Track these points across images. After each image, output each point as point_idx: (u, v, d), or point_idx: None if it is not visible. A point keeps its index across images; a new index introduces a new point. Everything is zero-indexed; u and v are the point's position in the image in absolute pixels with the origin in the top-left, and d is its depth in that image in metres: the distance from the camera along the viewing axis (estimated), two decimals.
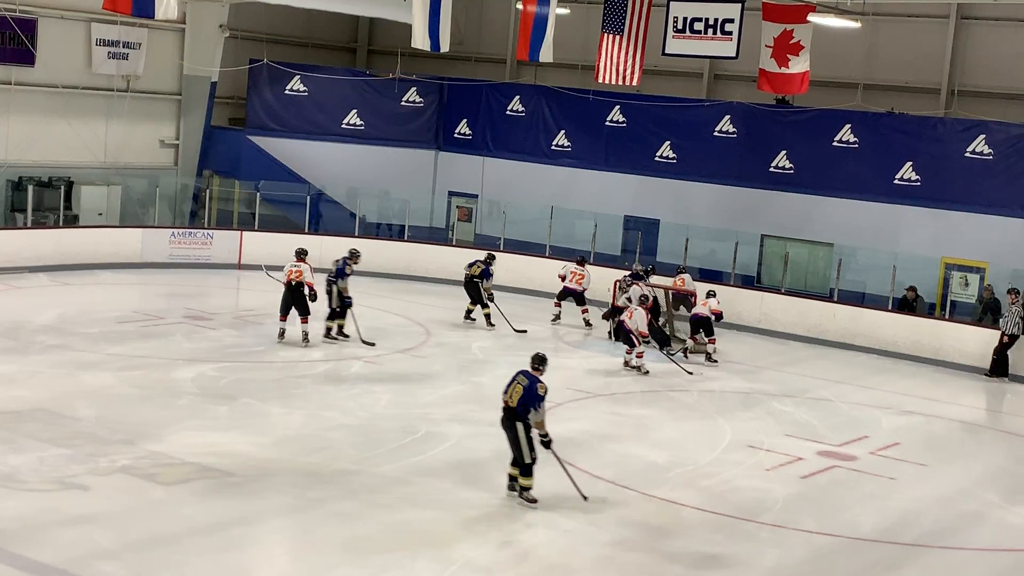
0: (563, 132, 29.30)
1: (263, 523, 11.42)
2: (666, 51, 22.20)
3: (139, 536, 10.75)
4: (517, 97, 30.01)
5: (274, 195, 28.06)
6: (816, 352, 22.34)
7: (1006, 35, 25.60)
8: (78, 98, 26.92)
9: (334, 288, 19.56)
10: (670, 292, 22.55)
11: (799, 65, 21.96)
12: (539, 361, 12.50)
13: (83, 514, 11.21)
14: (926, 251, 24.00)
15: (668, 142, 27.79)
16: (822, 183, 25.63)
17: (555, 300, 23.12)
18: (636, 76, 22.81)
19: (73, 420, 14.13)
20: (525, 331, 21.56)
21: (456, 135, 30.94)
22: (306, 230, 26.97)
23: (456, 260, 24.61)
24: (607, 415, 16.58)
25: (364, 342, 19.48)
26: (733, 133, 27.03)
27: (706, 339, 20.58)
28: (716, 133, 27.19)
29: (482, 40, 32.07)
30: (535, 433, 12.27)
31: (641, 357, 19.22)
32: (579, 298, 22.89)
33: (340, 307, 19.55)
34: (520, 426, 12.19)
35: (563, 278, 22.92)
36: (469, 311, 22.14)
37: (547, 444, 12.29)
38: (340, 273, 19.62)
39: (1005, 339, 20.81)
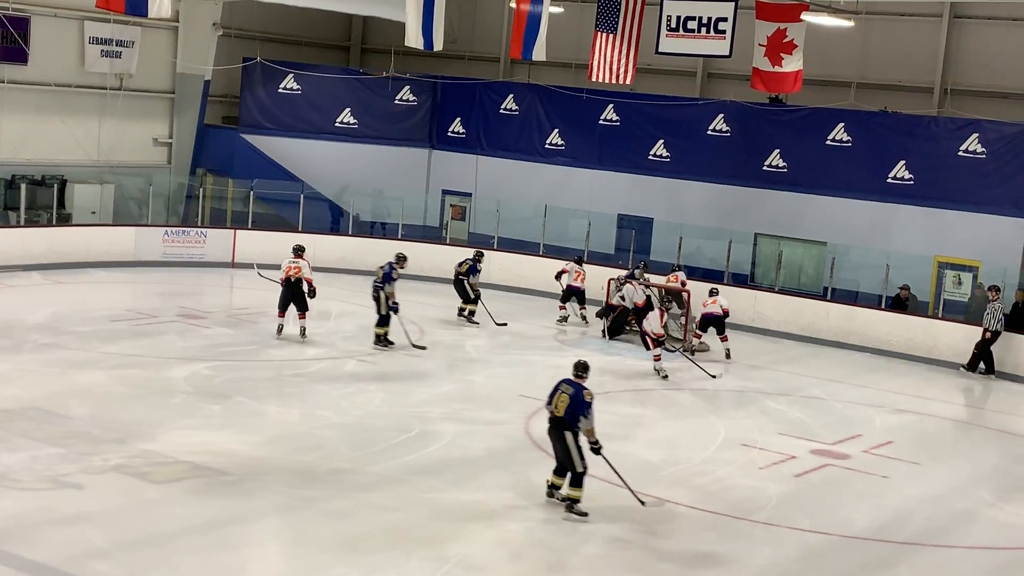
0: (557, 131, 29.30)
1: (256, 522, 11.41)
2: (659, 50, 22.21)
3: (132, 535, 10.74)
4: (511, 96, 30.02)
5: (268, 193, 28.03)
6: (809, 351, 22.37)
7: (999, 34, 25.65)
8: (71, 96, 26.88)
9: (381, 294, 19.22)
10: (662, 290, 22.58)
11: (792, 64, 21.99)
12: (582, 368, 12.32)
13: (76, 513, 11.19)
14: (919, 250, 24.03)
15: (662, 141, 27.80)
16: (815, 182, 25.66)
17: (560, 304, 23.17)
18: (630, 75, 22.83)
19: (66, 419, 14.11)
20: (505, 324, 21.58)
21: (450, 134, 30.93)
22: (299, 228, 26.94)
23: (450, 259, 24.57)
24: (601, 414, 16.32)
25: (415, 346, 19.34)
26: (727, 132, 27.04)
27: (719, 337, 20.83)
28: (710, 132, 27.20)
29: (476, 39, 32.07)
30: (583, 441, 12.07)
31: (658, 360, 18.91)
32: (581, 296, 23.00)
33: (387, 313, 19.18)
34: (569, 435, 11.99)
35: (561, 275, 23.08)
36: (461, 309, 22.21)
37: (597, 450, 12.09)
38: (387, 278, 19.29)
39: (988, 335, 20.86)
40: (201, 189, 28.01)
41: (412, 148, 30.75)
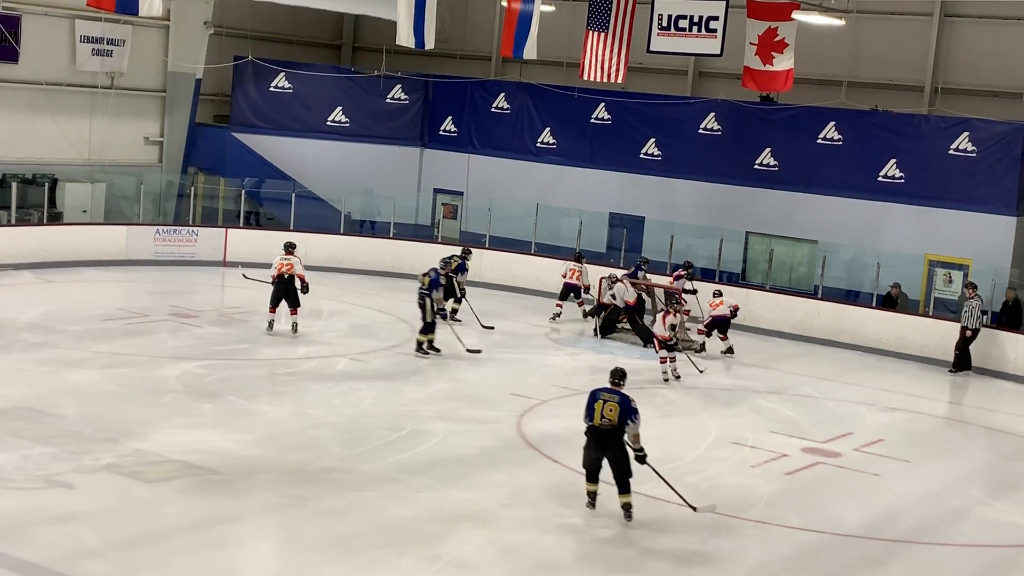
0: (548, 129, 29.29)
1: (248, 521, 11.39)
2: (651, 48, 22.23)
3: (124, 534, 10.72)
4: (502, 94, 30.00)
5: (259, 192, 27.98)
6: (801, 349, 22.39)
7: (989, 33, 25.70)
8: (62, 95, 26.81)
9: (427, 301, 18.91)
10: (652, 289, 22.62)
11: (783, 63, 22.03)
12: (620, 375, 12.14)
13: (68, 512, 11.17)
14: (910, 248, 24.07)
15: (653, 139, 27.81)
16: (806, 180, 25.68)
17: (557, 300, 23.25)
18: (621, 73, 22.84)
19: (58, 418, 14.07)
20: (492, 327, 21.49)
21: (441, 132, 30.90)
22: (291, 227, 26.91)
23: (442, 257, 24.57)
24: None
25: (469, 351, 19.23)
26: (718, 130, 27.06)
27: (719, 337, 20.86)
28: (701, 130, 27.21)
29: (467, 37, 32.06)
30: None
31: (664, 363, 18.62)
32: (577, 292, 23.12)
33: (432, 320, 18.89)
34: (626, 444, 11.82)
35: (565, 275, 23.38)
36: (442, 309, 22.03)
37: (643, 459, 11.94)
38: (435, 284, 19.02)
39: (968, 333, 20.88)
40: (192, 188, 27.96)
41: (404, 147, 30.72)
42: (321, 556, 10.53)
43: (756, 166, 26.43)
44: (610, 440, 11.84)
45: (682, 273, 23.24)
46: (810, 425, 16.67)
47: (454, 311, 21.93)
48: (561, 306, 23.16)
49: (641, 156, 27.93)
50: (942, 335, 21.85)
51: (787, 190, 25.94)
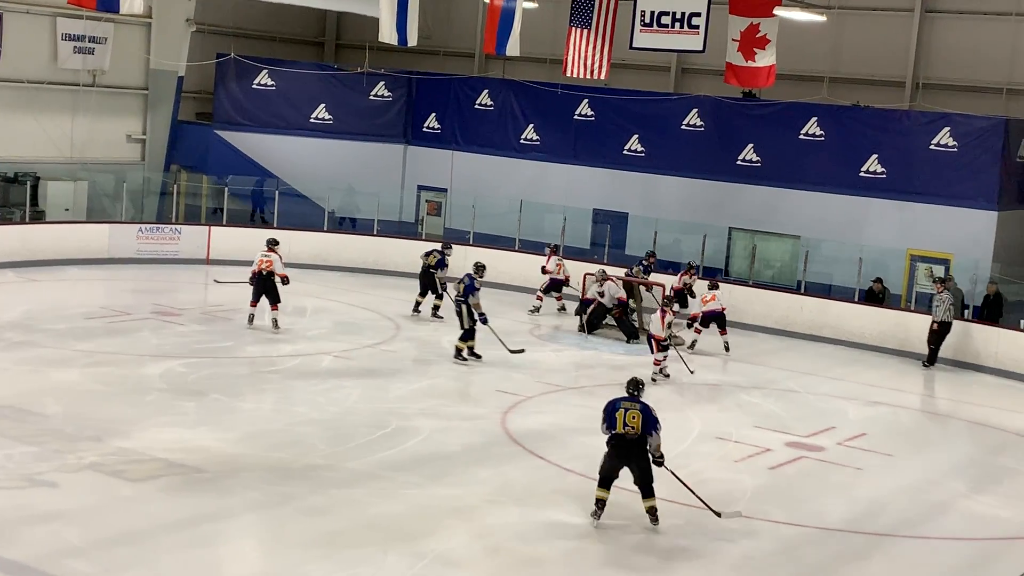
0: (532, 126, 29.28)
1: (233, 519, 11.37)
2: (634, 45, 22.23)
3: (108, 533, 10.68)
4: (486, 91, 29.98)
5: (242, 189, 27.91)
6: (783, 344, 22.44)
7: (970, 28, 25.78)
8: (44, 93, 26.69)
9: (463, 308, 18.64)
10: (639, 286, 22.64)
11: (765, 59, 22.05)
12: (636, 386, 12.02)
13: (51, 511, 11.12)
14: (892, 243, 24.16)
15: (636, 136, 27.83)
16: (789, 176, 25.73)
17: (538, 293, 23.32)
18: (604, 70, 22.84)
19: (41, 417, 14.01)
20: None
21: (425, 129, 30.87)
22: (275, 224, 26.85)
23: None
24: (577, 408, 16.59)
25: (512, 351, 19.04)
26: (701, 126, 27.09)
27: (719, 331, 20.87)
28: (684, 126, 27.24)
29: (450, 34, 32.01)
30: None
31: (658, 364, 18.33)
32: (560, 287, 23.14)
33: (472, 326, 18.59)
34: (648, 454, 11.74)
35: (544, 270, 23.47)
36: (418, 303, 22.02)
37: (661, 462, 11.85)
38: (470, 290, 18.72)
39: (935, 326, 20.92)
40: (175, 185, 27.86)
41: (387, 144, 30.67)
42: (306, 554, 10.51)
43: (739, 162, 26.48)
44: (634, 448, 11.68)
45: (689, 273, 23.17)
46: (793, 420, 16.71)
47: (435, 307, 21.91)
48: (542, 299, 23.20)
49: (624, 152, 27.94)
50: (924, 329, 21.89)
51: (770, 186, 25.99)
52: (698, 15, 21.19)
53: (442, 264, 22.04)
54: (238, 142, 29.30)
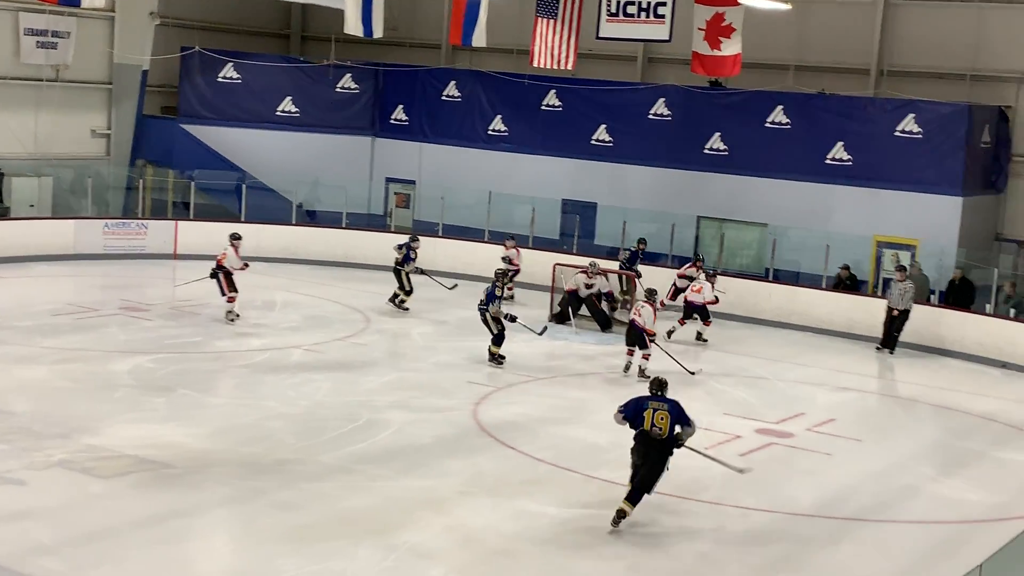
0: (499, 117, 29.25)
1: (203, 515, 11.33)
2: (600, 35, 22.26)
3: (78, 530, 10.62)
4: (453, 82, 29.92)
5: (209, 184, 27.77)
6: (752, 331, 22.53)
7: (933, 15, 25.92)
8: (7, 88, 26.44)
9: (487, 315, 18.37)
10: (622, 277, 22.68)
11: (731, 47, 22.11)
12: (659, 386, 11.76)
13: (20, 509, 11.05)
14: (858, 230, 24.28)
15: (604, 125, 27.85)
16: (755, 164, 25.82)
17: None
18: (571, 60, 22.84)
19: (8, 415, 13.90)
20: (455, 285, 21.82)
21: (392, 121, 30.77)
22: (242, 218, 26.73)
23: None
24: (547, 398, 16.64)
25: (539, 332, 19.28)
26: (668, 116, 27.14)
27: (703, 322, 20.88)
28: (651, 116, 27.28)
29: (416, 25, 31.89)
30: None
31: (647, 359, 17.94)
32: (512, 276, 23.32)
33: (501, 331, 18.27)
34: (669, 459, 11.53)
35: (508, 260, 23.43)
36: (396, 295, 21.99)
37: (680, 445, 11.62)
38: (491, 298, 18.44)
39: (895, 313, 20.98)
40: (141, 180, 27.66)
41: (354, 136, 30.55)
42: (277, 548, 10.49)
43: (706, 151, 26.55)
44: (654, 450, 11.44)
45: (696, 267, 22.54)
46: (763, 406, 16.80)
47: (402, 301, 21.83)
48: (512, 289, 23.20)
49: (592, 142, 27.96)
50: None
51: (737, 174, 26.06)
52: (664, 4, 21.24)
53: (408, 259, 21.91)
54: (204, 136, 29.12)
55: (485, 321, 18.42)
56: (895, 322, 21.13)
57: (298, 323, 20.51)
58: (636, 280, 22.25)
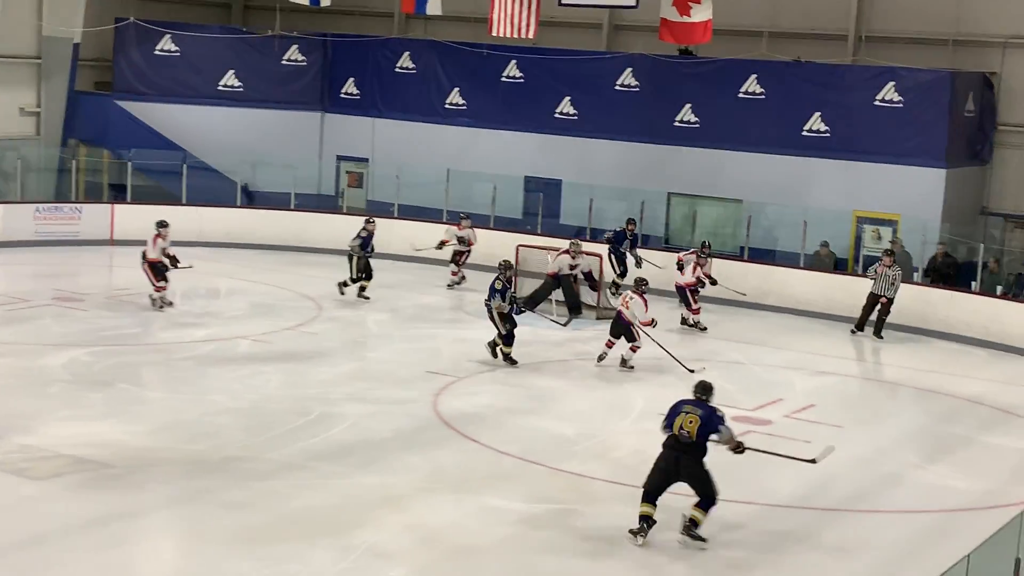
0: (457, 90, 29.18)
1: (146, 517, 11.28)
2: (563, 1, 22.25)
3: (12, 536, 10.53)
4: (407, 53, 29.81)
5: (147, 164, 27.57)
6: (726, 313, 22.59)
7: None
8: None
9: (493, 312, 17.78)
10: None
11: (701, 13, 22.18)
12: (705, 390, 11.51)
13: None
14: (837, 205, 24.44)
15: (568, 98, 27.85)
16: (728, 137, 25.92)
17: (456, 268, 23.27)
18: (532, 28, 22.86)
19: None
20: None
21: (343, 95, 30.64)
22: (183, 201, 26.56)
23: (348, 229, 24.41)
24: (511, 388, 16.66)
25: (564, 323, 19.35)
26: (635, 87, 27.18)
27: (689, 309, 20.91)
28: (618, 87, 27.31)
29: None
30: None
31: (635, 351, 17.77)
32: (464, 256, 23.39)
33: (509, 330, 17.68)
34: (705, 461, 11.33)
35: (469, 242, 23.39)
36: (352, 284, 21.74)
37: (742, 451, 11.55)
38: (492, 293, 17.87)
39: (883, 300, 20.88)
40: (74, 161, 27.42)
41: (303, 112, 30.41)
42: (226, 551, 10.46)
43: (676, 123, 26.62)
44: (685, 455, 11.27)
45: (702, 252, 22.12)
46: (738, 393, 16.86)
47: (362, 288, 21.69)
48: (460, 273, 23.15)
49: (556, 116, 27.97)
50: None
51: (709, 148, 26.15)
52: None
53: (365, 245, 21.53)
54: (141, 113, 28.90)
55: (492, 319, 17.79)
56: (881, 309, 21.08)
57: (245, 312, 20.43)
58: (621, 264, 22.27)
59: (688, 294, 20.94)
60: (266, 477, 12.35)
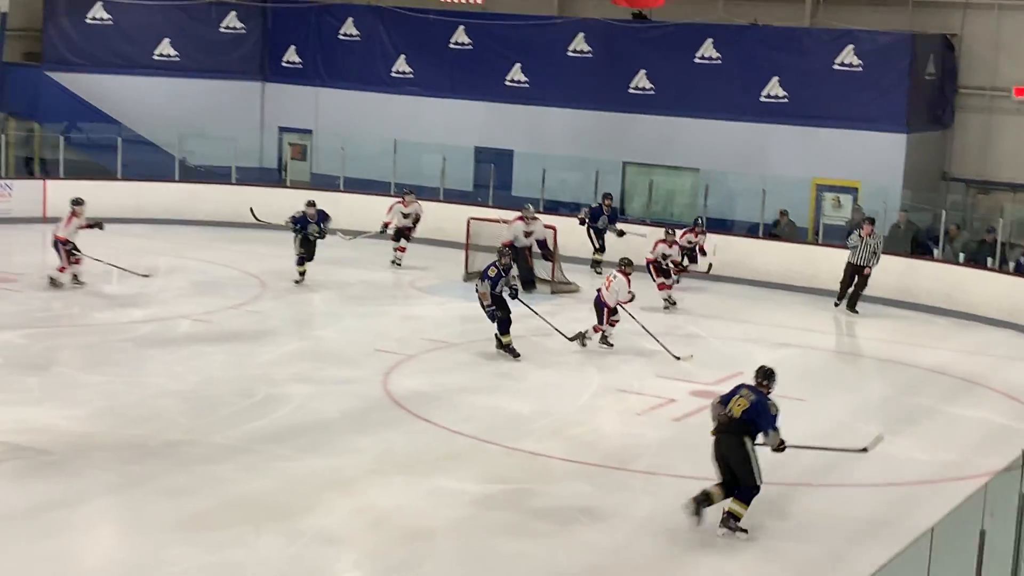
0: (403, 57, 29.07)
1: (86, 504, 11.18)
2: None
3: None
4: (350, 19, 29.65)
5: (80, 138, 27.29)
6: (684, 285, 22.66)
7: None
8: None
9: (480, 299, 16.98)
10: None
11: None
12: (765, 376, 11.33)
13: None
14: (796, 172, 24.58)
15: (518, 65, 27.81)
16: (685, 104, 25.99)
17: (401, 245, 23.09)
18: None
19: None
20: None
21: (284, 64, 30.45)
22: (119, 176, 26.32)
23: (292, 203, 24.26)
24: (465, 365, 16.65)
25: (575, 338, 17.59)
26: (588, 53, 27.17)
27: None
28: (570, 53, 27.29)
29: None
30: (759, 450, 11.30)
31: (598, 332, 17.48)
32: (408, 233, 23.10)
33: (504, 316, 16.85)
34: (749, 442, 11.14)
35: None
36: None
37: (782, 450, 11.35)
38: (483, 277, 17.24)
39: (867, 272, 20.82)
40: (3, 136, 27.09)
41: (242, 81, 30.22)
42: (169, 537, 10.39)
43: (631, 90, 26.64)
44: (728, 436, 11.17)
45: (695, 232, 22.35)
46: (698, 367, 16.96)
47: (302, 272, 21.30)
48: (404, 250, 23.02)
49: (506, 83, 27.92)
50: (833, 264, 22.39)
51: (665, 115, 26.22)
52: None
53: (301, 224, 20.98)
54: (73, 84, 28.60)
55: (482, 307, 17.08)
56: (860, 282, 20.97)
57: (185, 290, 20.29)
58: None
59: (651, 269, 20.82)
60: (210, 461, 12.29)
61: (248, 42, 30.33)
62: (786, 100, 25.23)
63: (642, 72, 26.57)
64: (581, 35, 27.19)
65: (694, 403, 15.22)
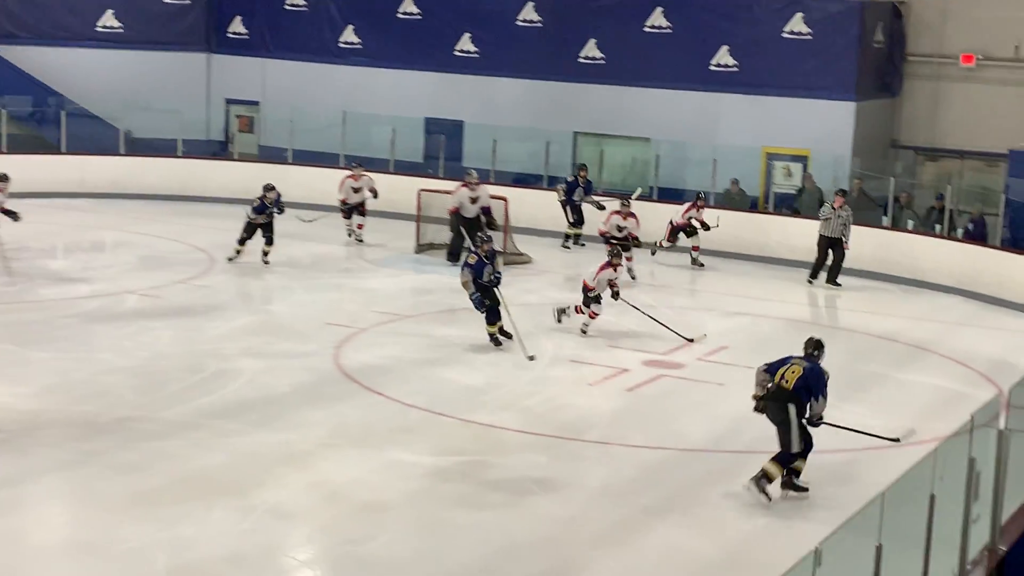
0: (351, 27, 28.89)
1: (34, 483, 11.12)
2: None
3: None
4: None
5: (21, 111, 26.98)
6: (635, 255, 22.72)
7: None
8: None
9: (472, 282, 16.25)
10: (506, 204, 22.50)
11: None
12: (816, 346, 11.55)
13: None
14: (746, 141, 24.70)
15: (468, 34, 27.72)
16: (635, 73, 26.00)
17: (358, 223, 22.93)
18: None
19: None
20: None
21: (230, 35, 30.18)
22: (63, 150, 26.04)
23: (239, 176, 24.22)
24: (417, 338, 16.65)
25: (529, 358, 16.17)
26: (538, 22, 27.12)
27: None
28: (519, 22, 27.23)
29: None
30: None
31: (579, 312, 16.98)
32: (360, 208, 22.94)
33: (493, 305, 16.21)
34: (793, 408, 11.29)
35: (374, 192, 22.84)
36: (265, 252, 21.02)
37: (818, 424, 11.50)
38: (463, 268, 16.74)
39: (847, 247, 20.76)
40: None
41: (187, 52, 29.93)
42: (120, 515, 10.36)
43: (581, 59, 26.63)
44: (776, 403, 11.36)
45: (697, 206, 22.16)
46: (650, 337, 17.03)
47: (265, 252, 20.96)
48: (362, 227, 22.89)
49: (455, 53, 27.83)
50: (784, 233, 22.58)
51: (615, 84, 26.22)
52: None
53: (260, 210, 20.69)
54: (13, 57, 28.24)
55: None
56: (839, 255, 20.90)
57: (132, 265, 20.16)
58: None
59: (608, 242, 20.63)
60: (160, 437, 12.24)
61: (193, 13, 30.04)
62: (736, 69, 25.31)
63: (592, 41, 26.56)
64: (531, 4, 27.12)
65: (646, 373, 15.32)
